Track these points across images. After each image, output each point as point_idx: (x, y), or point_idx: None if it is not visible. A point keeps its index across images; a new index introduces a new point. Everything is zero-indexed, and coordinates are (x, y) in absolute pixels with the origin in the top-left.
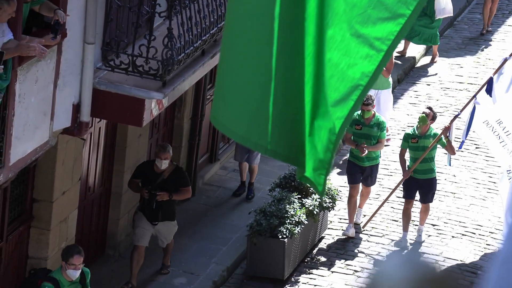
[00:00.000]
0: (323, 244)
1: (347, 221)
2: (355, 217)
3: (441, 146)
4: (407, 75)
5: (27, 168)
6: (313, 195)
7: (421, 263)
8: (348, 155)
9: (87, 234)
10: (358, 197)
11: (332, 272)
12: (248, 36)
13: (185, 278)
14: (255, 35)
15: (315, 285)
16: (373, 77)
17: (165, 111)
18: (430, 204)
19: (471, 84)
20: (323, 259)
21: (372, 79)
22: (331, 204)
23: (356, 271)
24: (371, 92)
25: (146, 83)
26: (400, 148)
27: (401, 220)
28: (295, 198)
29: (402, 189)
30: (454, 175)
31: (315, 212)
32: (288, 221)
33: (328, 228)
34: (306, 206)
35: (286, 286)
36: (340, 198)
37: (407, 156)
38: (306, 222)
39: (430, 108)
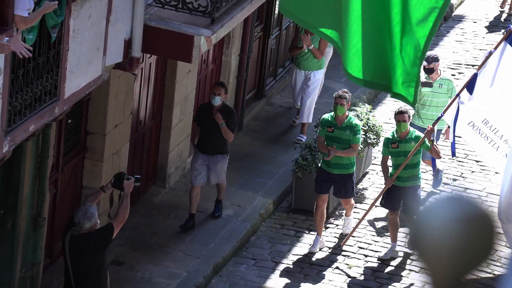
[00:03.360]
0: (366, 179)
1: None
2: (343, 227)
3: (425, 149)
4: (453, 11)
5: (81, 102)
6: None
7: (464, 200)
8: None
9: (138, 166)
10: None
11: (375, 206)
12: None
13: (232, 210)
14: None
15: (358, 218)
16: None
17: (214, 48)
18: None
19: None
20: (366, 193)
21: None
22: (375, 140)
23: None
24: (301, 74)
25: (195, 20)
26: (382, 156)
27: (389, 231)
28: None
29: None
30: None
31: (359, 148)
32: None
33: (372, 164)
34: None
35: (331, 219)
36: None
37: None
38: None
39: (402, 112)
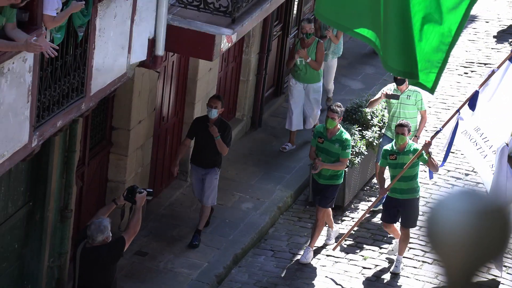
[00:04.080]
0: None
1: None
2: (326, 238)
3: (422, 162)
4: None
5: (106, 98)
6: (373, 127)
7: (477, 194)
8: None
9: (161, 160)
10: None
11: (371, 210)
12: None
13: (252, 203)
14: None
15: (374, 212)
16: None
17: (234, 46)
18: (412, 229)
19: None
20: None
21: None
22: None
23: None
24: (300, 86)
25: (216, 20)
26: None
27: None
28: (356, 130)
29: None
30: None
31: (374, 143)
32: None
33: None
34: (366, 137)
35: (346, 212)
36: None
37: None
38: (365, 152)
39: (403, 125)
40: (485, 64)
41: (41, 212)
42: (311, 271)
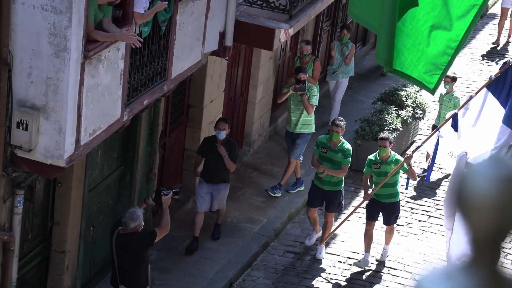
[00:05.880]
0: (413, 147)
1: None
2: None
3: (403, 171)
4: (488, 11)
5: (184, 81)
6: (407, 107)
7: (506, 161)
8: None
9: (229, 135)
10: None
11: (427, 166)
12: None
13: (304, 170)
14: None
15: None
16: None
17: (291, 39)
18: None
19: None
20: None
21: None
22: (421, 115)
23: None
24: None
25: (276, 16)
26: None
27: (363, 241)
28: (393, 109)
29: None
30: None
31: (408, 121)
32: (386, 128)
33: (419, 134)
34: (402, 116)
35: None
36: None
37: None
38: (401, 129)
39: (384, 138)
40: (503, 55)
41: (130, 175)
42: (358, 226)
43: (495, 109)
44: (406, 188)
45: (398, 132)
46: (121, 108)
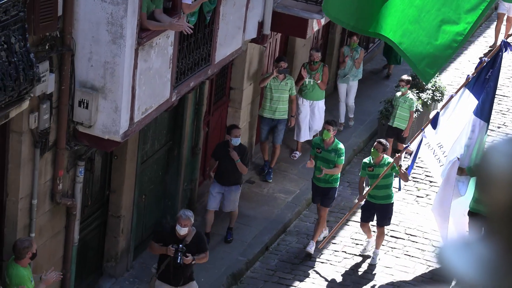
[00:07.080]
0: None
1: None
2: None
3: (395, 173)
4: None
5: (226, 66)
6: (427, 90)
7: None
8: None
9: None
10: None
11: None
12: None
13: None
14: None
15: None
16: None
17: (322, 28)
18: (386, 227)
19: None
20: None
21: None
22: (440, 97)
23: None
24: (307, 103)
25: (309, 7)
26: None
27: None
28: (414, 92)
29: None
30: None
31: (428, 103)
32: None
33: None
34: (422, 98)
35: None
36: None
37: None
38: (421, 110)
39: (380, 142)
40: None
41: (178, 149)
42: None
43: (470, 103)
44: (399, 190)
45: (419, 112)
46: (170, 90)
